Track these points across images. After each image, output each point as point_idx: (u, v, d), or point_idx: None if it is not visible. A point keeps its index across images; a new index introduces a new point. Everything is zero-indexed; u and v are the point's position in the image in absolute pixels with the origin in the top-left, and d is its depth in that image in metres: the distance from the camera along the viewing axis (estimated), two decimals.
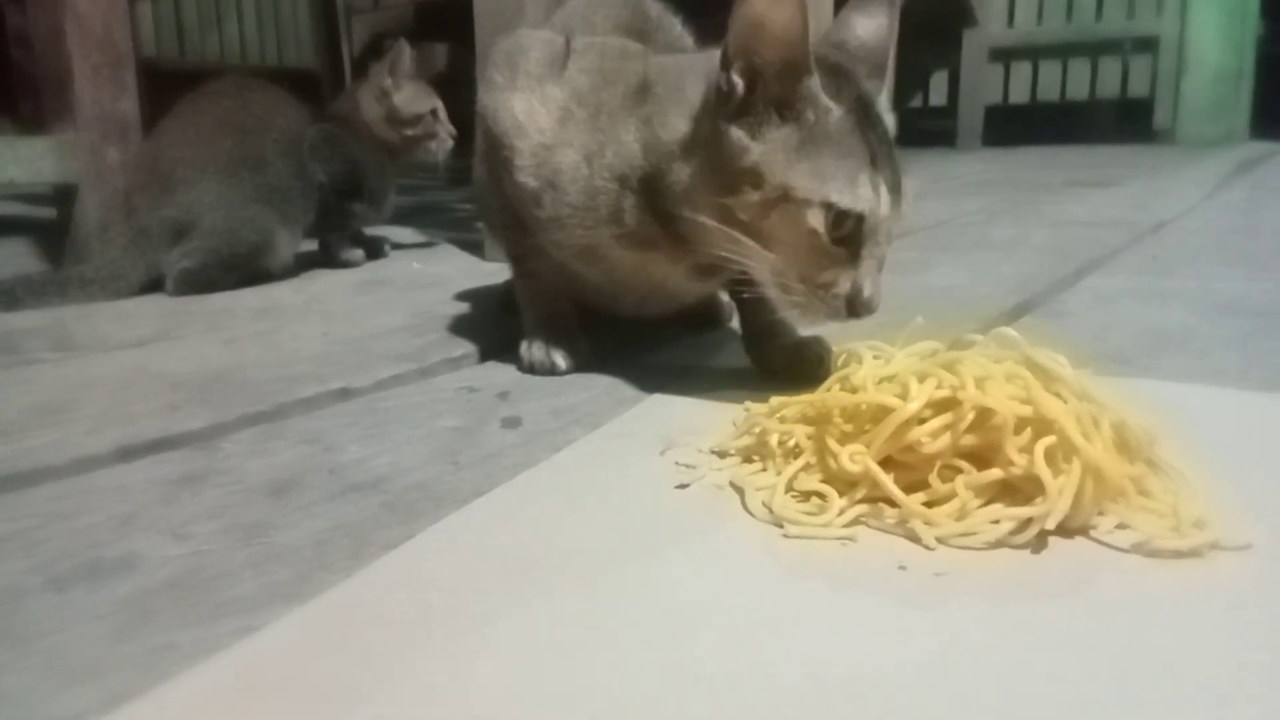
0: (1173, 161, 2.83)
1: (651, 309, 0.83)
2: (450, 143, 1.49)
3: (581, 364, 0.80)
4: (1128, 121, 3.82)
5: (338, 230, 1.47)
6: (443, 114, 1.49)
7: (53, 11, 1.27)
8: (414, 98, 1.46)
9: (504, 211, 0.81)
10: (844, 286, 0.62)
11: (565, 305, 0.83)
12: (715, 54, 0.65)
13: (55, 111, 1.31)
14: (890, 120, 0.65)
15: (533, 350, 0.80)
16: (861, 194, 0.60)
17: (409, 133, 1.46)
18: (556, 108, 0.74)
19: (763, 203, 0.61)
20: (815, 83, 0.61)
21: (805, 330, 0.72)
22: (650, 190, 0.69)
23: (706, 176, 0.64)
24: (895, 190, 0.62)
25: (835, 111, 0.61)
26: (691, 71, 0.68)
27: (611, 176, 0.70)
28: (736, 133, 0.62)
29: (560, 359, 0.80)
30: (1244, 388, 0.70)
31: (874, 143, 0.61)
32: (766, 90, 0.62)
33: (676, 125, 0.67)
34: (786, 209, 0.61)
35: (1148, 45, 3.71)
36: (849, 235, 0.61)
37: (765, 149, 0.61)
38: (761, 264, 0.63)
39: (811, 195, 0.60)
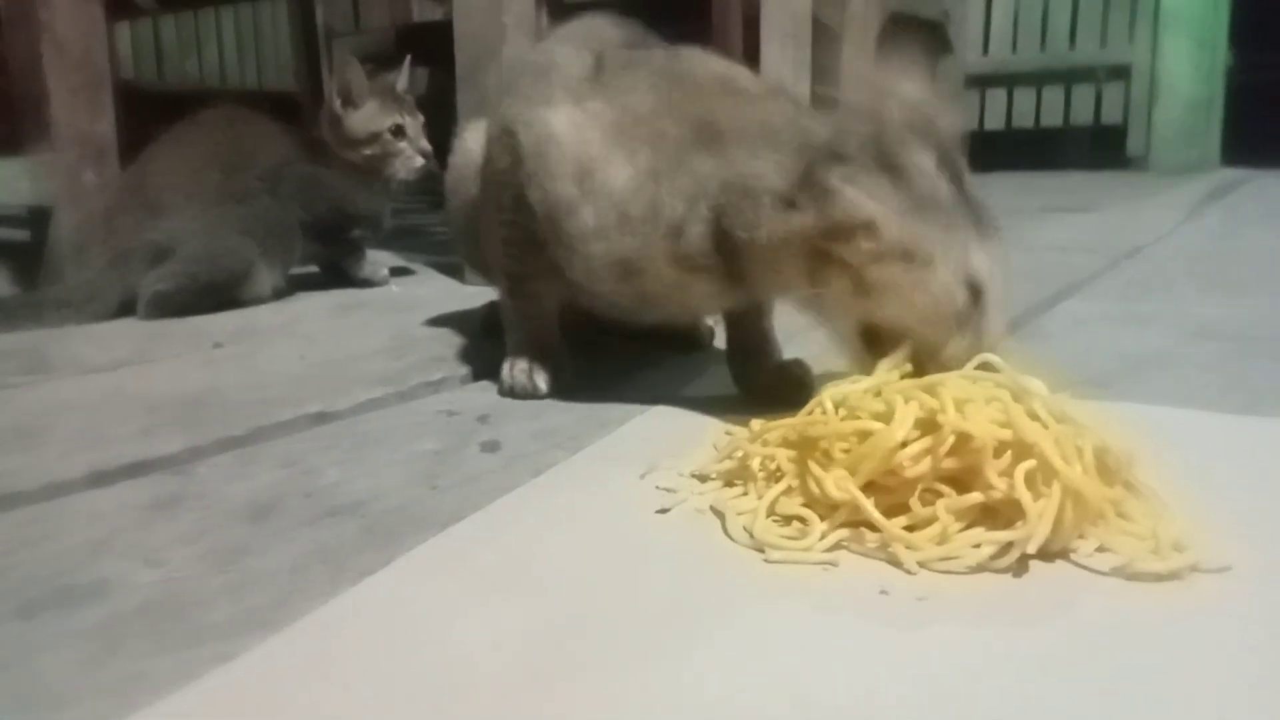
0: (1146, 187, 2.87)
1: (666, 320, 0.82)
2: (419, 160, 1.44)
3: (563, 387, 0.80)
4: (1102, 148, 3.87)
5: (349, 255, 1.47)
6: (411, 130, 1.43)
7: (29, 32, 1.27)
8: (368, 116, 1.41)
9: (512, 227, 0.78)
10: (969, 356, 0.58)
11: (552, 328, 0.82)
12: (795, 110, 0.69)
13: (31, 132, 1.30)
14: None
15: (515, 372, 0.80)
16: (976, 261, 0.60)
17: (367, 152, 1.42)
18: (605, 122, 0.73)
19: (877, 251, 0.61)
20: (921, 153, 0.62)
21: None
22: (720, 225, 0.68)
23: (808, 228, 0.64)
24: (1003, 264, 0.62)
25: (944, 185, 0.62)
26: (781, 128, 0.68)
27: (681, 196, 0.70)
28: (850, 190, 0.62)
29: (542, 382, 0.79)
30: (1222, 411, 0.71)
31: (983, 216, 0.62)
32: (881, 158, 0.62)
33: (768, 173, 0.66)
34: (911, 267, 0.60)
35: (1120, 73, 3.77)
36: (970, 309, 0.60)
37: (880, 207, 0.61)
38: (852, 306, 0.63)
39: (935, 252, 0.60)
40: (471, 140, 0.93)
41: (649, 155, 0.71)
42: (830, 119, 0.65)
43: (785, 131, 0.68)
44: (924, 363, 0.59)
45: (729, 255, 0.69)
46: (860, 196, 0.62)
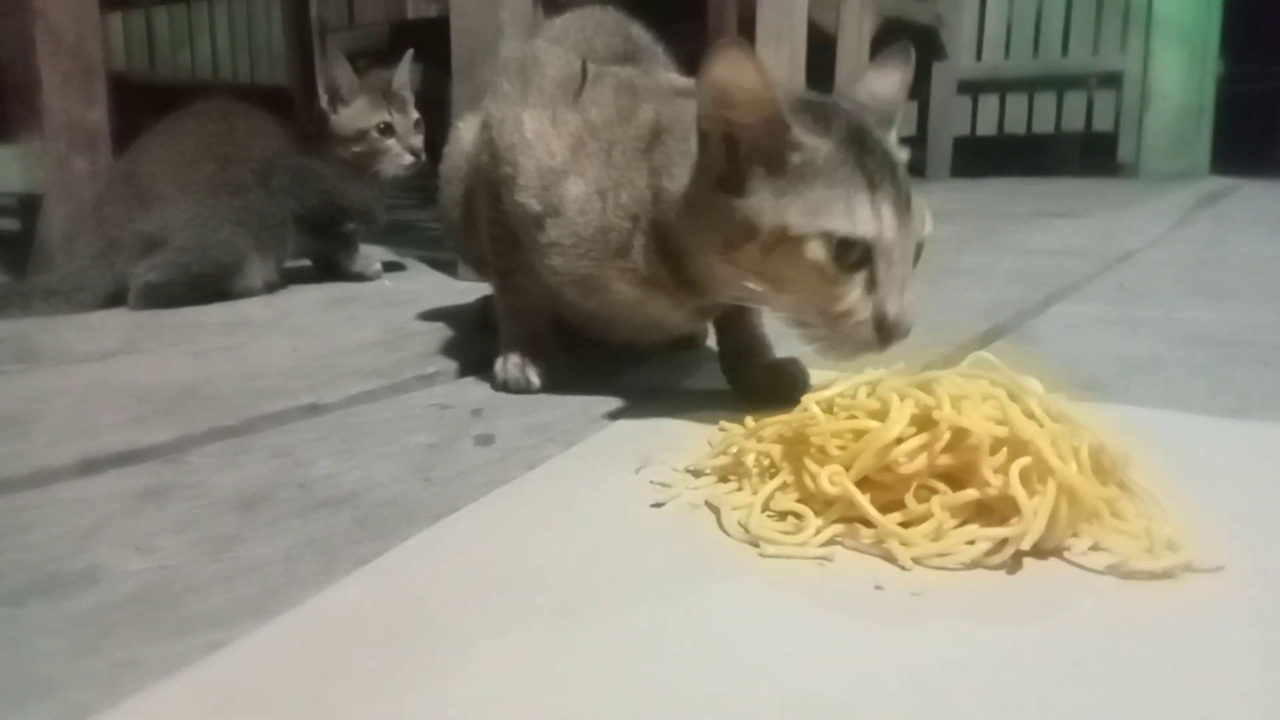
0: (1136, 194, 2.88)
1: (640, 340, 0.82)
2: (407, 158, 1.43)
3: (556, 382, 0.80)
4: (1092, 155, 3.90)
5: (342, 249, 1.46)
6: (401, 127, 1.42)
7: (22, 19, 1.26)
8: (356, 114, 1.41)
9: (495, 224, 0.79)
10: (864, 313, 0.60)
11: (544, 323, 0.82)
12: None
13: (22, 120, 1.29)
14: (898, 152, 0.64)
15: (508, 367, 0.80)
16: (860, 218, 0.59)
17: (355, 149, 1.41)
18: (569, 134, 0.73)
19: (762, 249, 0.61)
20: (796, 130, 0.61)
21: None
22: (660, 235, 0.69)
23: (707, 235, 0.64)
24: (904, 209, 0.60)
25: (822, 148, 0.61)
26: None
27: (625, 215, 0.70)
28: (723, 196, 0.62)
29: (535, 376, 0.79)
30: (1211, 414, 0.71)
31: (871, 168, 0.60)
32: (749, 148, 0.61)
33: (682, 179, 0.66)
34: (786, 249, 0.60)
35: (1112, 81, 3.79)
36: (859, 262, 0.60)
37: (754, 200, 0.61)
38: (778, 305, 0.63)
39: (807, 229, 0.59)
40: (466, 134, 0.93)
41: (598, 172, 0.71)
42: None
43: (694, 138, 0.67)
44: (830, 327, 0.61)
45: (677, 264, 0.69)
46: (733, 199, 0.62)
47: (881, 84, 0.68)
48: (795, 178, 0.61)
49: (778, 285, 0.62)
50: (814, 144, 0.61)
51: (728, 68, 0.59)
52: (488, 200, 0.80)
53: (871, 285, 0.60)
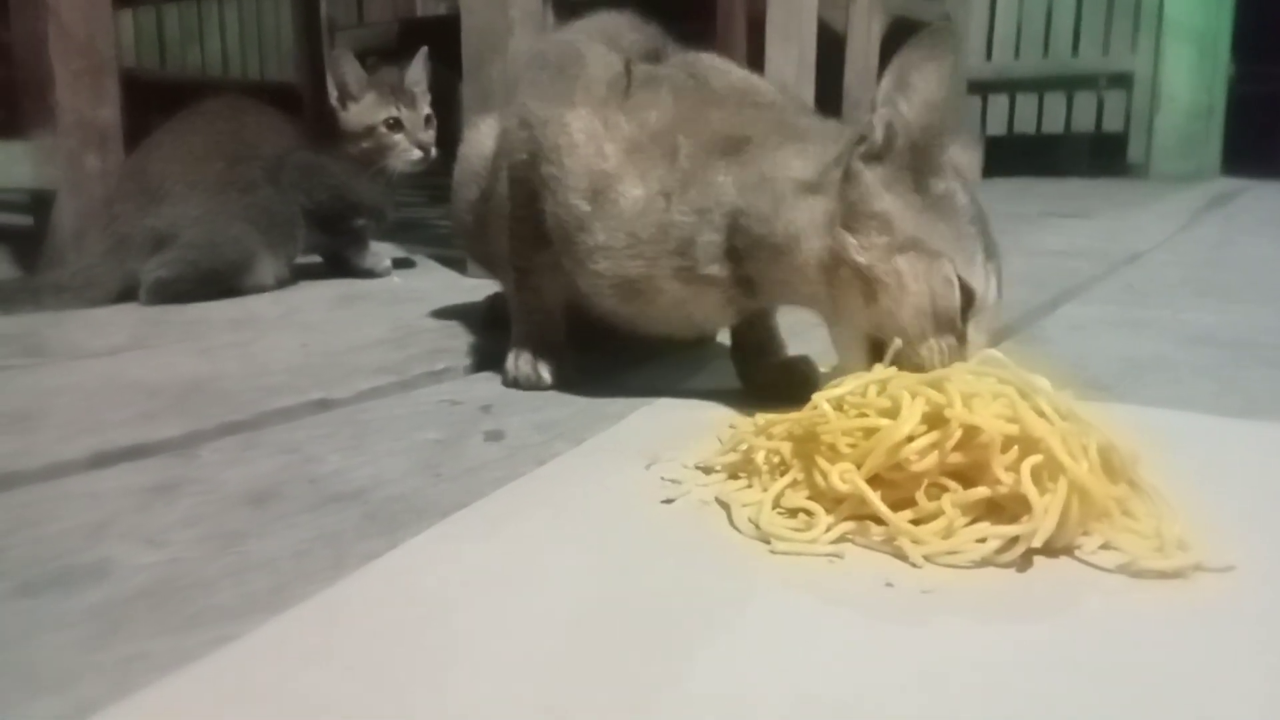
0: (1146, 195, 2.88)
1: (669, 335, 0.82)
2: (415, 153, 1.42)
3: (567, 379, 0.80)
4: (1102, 155, 3.88)
5: (352, 245, 1.47)
6: (409, 122, 1.42)
7: (34, 17, 1.26)
8: (363, 110, 1.41)
9: (519, 221, 0.78)
10: (949, 356, 0.60)
11: (557, 321, 0.82)
12: (821, 118, 0.71)
13: (34, 117, 1.29)
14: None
15: (519, 364, 0.80)
16: (976, 272, 0.61)
17: (364, 145, 1.41)
18: (622, 137, 0.72)
19: (889, 247, 0.62)
20: (948, 157, 0.63)
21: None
22: (733, 226, 0.68)
23: (828, 212, 0.64)
24: (1000, 293, 0.63)
25: (961, 194, 0.63)
26: (809, 130, 0.70)
27: (691, 210, 0.69)
28: (870, 175, 0.63)
29: (547, 373, 0.79)
30: (1218, 414, 0.71)
31: (989, 243, 0.63)
32: (904, 153, 0.63)
33: (793, 165, 0.67)
34: (918, 256, 0.61)
35: (1122, 81, 3.78)
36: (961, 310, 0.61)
37: (897, 201, 0.62)
38: (860, 309, 0.63)
39: (943, 248, 0.61)
40: (486, 137, 0.93)
41: (662, 174, 0.71)
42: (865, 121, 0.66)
43: (813, 132, 0.69)
44: (904, 358, 0.60)
45: (739, 261, 0.69)
46: (879, 185, 0.63)
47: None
48: (936, 200, 0.63)
49: (879, 289, 0.62)
50: (956, 184, 0.63)
51: (922, 54, 0.62)
52: (515, 197, 0.78)
53: (963, 338, 0.61)
